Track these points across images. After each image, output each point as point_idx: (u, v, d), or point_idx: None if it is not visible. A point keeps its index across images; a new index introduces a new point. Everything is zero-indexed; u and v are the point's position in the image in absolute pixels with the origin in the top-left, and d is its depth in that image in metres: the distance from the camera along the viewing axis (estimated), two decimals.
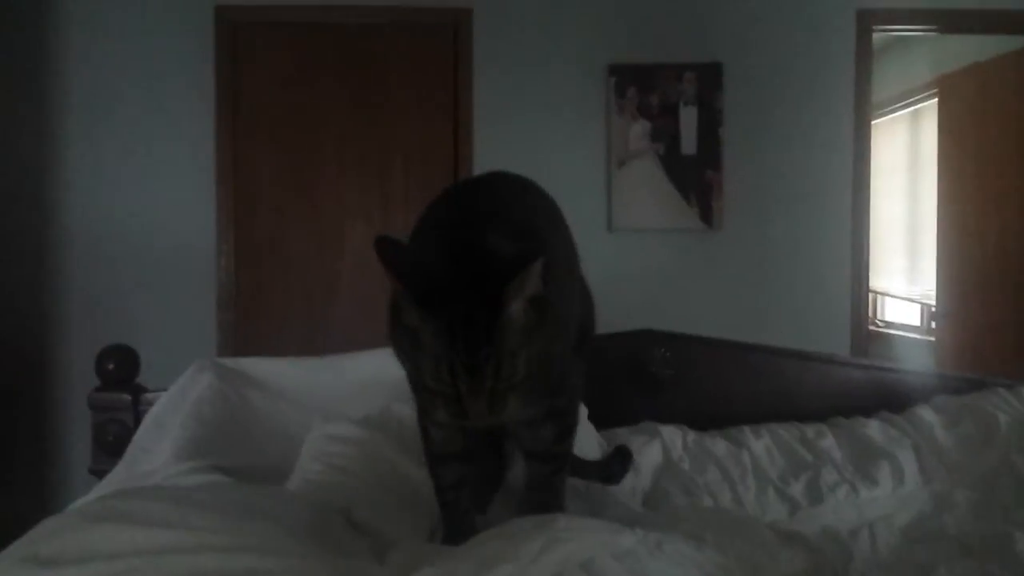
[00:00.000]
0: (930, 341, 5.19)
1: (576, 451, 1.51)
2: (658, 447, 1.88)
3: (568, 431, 1.36)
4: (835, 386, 2.29)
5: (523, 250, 1.06)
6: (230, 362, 2.07)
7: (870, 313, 5.10)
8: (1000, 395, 2.12)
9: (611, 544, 1.09)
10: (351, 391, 1.90)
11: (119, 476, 1.69)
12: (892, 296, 6.00)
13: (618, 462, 1.74)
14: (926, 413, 2.05)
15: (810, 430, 2.00)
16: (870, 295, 4.55)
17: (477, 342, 1.03)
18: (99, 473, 1.92)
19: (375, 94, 3.95)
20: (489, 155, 3.89)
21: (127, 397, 2.05)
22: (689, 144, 3.97)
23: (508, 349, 1.04)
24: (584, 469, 1.65)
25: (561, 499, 1.38)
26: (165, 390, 1.99)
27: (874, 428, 2.03)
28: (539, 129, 3.95)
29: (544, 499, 1.35)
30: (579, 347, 1.37)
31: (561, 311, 1.21)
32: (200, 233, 3.82)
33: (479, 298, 1.03)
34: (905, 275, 5.77)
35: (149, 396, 2.05)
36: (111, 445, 1.99)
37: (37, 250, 3.78)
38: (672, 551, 1.12)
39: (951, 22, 4.20)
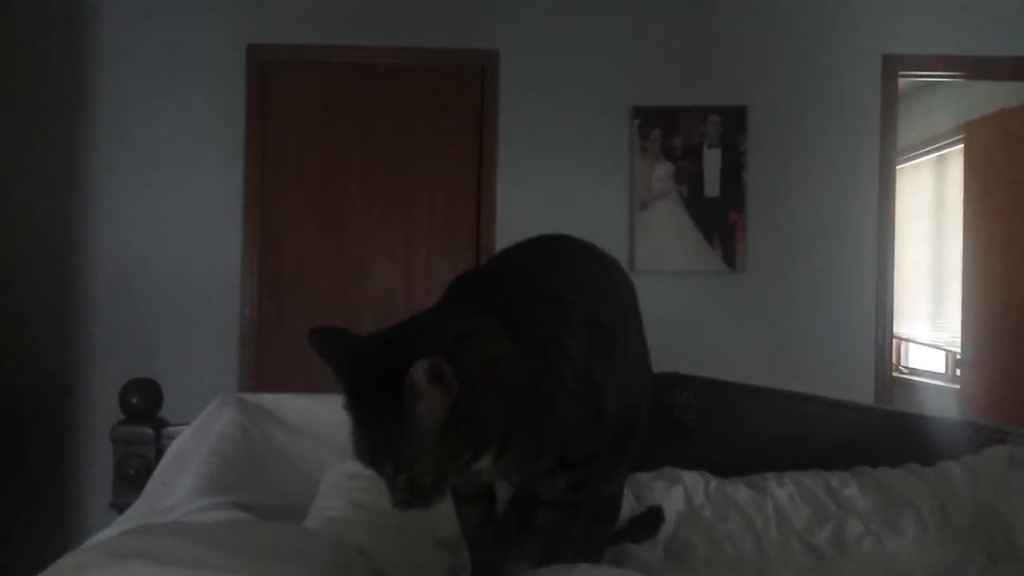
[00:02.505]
0: (955, 389, 5.12)
1: None
2: (680, 493, 1.86)
3: (583, 483, 1.30)
4: (859, 433, 2.26)
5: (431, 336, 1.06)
6: (252, 398, 2.08)
7: (894, 359, 5.05)
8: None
9: None
10: None
11: (139, 510, 1.70)
12: (916, 342, 5.94)
13: (646, 526, 1.70)
14: (955, 468, 2.01)
15: (834, 478, 1.98)
16: (894, 341, 4.51)
17: (376, 442, 1.04)
18: (120, 507, 1.92)
19: (401, 133, 3.99)
20: (513, 195, 3.92)
21: (149, 431, 2.06)
22: (712, 186, 3.97)
23: (407, 454, 1.02)
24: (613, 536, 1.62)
25: (576, 549, 1.32)
26: (187, 424, 1.99)
27: (899, 477, 2.00)
28: (563, 170, 3.97)
29: (553, 545, 1.30)
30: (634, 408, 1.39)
31: (587, 375, 1.23)
32: (225, 268, 3.86)
33: (385, 395, 1.02)
34: (929, 321, 5.71)
35: (171, 430, 2.06)
36: (132, 479, 2.00)
37: (63, 282, 3.82)
38: None
39: (977, 68, 4.20)
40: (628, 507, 1.77)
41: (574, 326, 1.26)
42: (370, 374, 1.06)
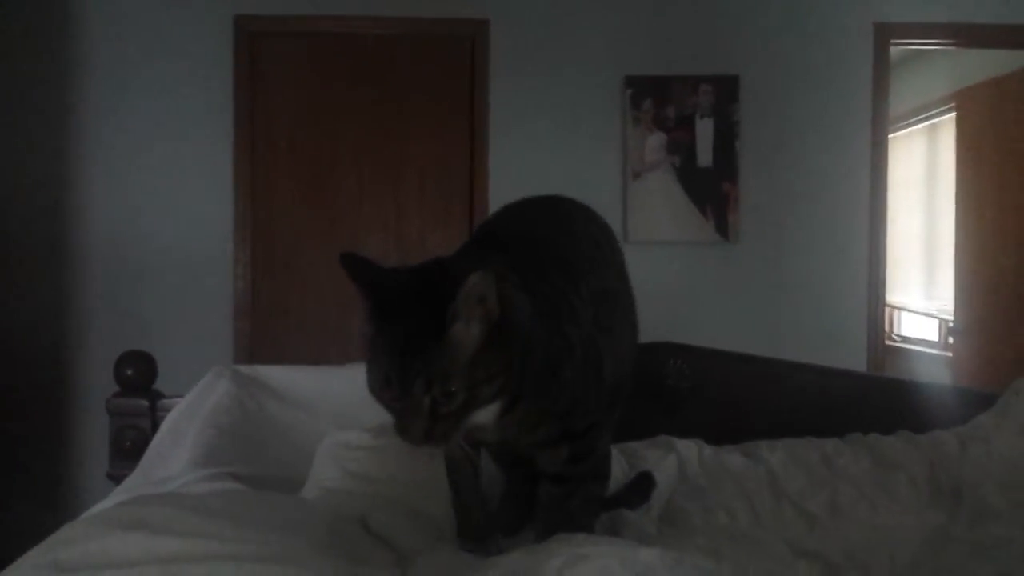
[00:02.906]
0: (947, 356, 5.15)
1: None
2: (674, 461, 1.87)
3: (585, 455, 1.32)
4: (852, 401, 2.28)
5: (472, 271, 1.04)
6: (247, 369, 2.08)
7: (887, 328, 5.07)
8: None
9: (631, 561, 1.09)
10: (365, 400, 1.90)
11: (136, 482, 1.70)
12: (909, 311, 5.97)
13: (639, 492, 1.72)
14: (946, 435, 2.03)
15: (827, 445, 1.99)
16: (887, 309, 4.53)
17: (412, 357, 1.03)
18: (117, 478, 1.93)
19: (392, 105, 3.97)
20: (505, 167, 3.91)
21: (145, 403, 2.07)
22: (705, 156, 3.97)
23: (442, 370, 1.03)
24: (604, 503, 1.63)
25: (578, 524, 1.31)
26: (182, 396, 2.00)
27: (891, 445, 2.01)
28: (555, 141, 3.96)
29: (556, 520, 1.30)
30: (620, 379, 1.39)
31: (589, 339, 1.24)
32: (218, 241, 3.85)
33: (423, 315, 1.04)
34: (922, 289, 5.73)
35: (166, 402, 2.06)
36: (129, 450, 2.01)
37: (57, 258, 3.81)
38: (691, 568, 1.12)
39: (969, 36, 4.19)
40: (621, 474, 1.78)
41: (580, 292, 1.28)
42: (408, 293, 1.07)
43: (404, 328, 1.04)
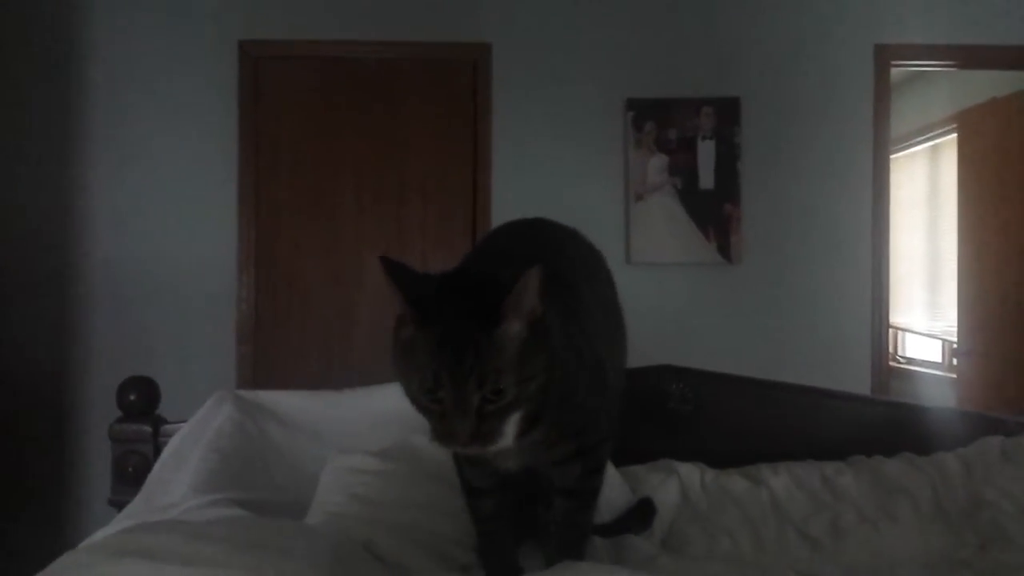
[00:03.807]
0: (952, 378, 5.13)
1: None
2: (675, 485, 1.87)
3: (596, 470, 1.35)
4: (855, 424, 2.27)
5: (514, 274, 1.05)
6: (249, 395, 2.08)
7: (891, 349, 5.06)
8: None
9: None
10: (368, 425, 1.91)
11: (138, 508, 1.70)
12: (913, 332, 5.96)
13: (640, 518, 1.71)
14: (949, 458, 2.02)
15: (829, 468, 1.98)
16: (890, 331, 4.52)
17: (464, 352, 1.02)
18: (119, 504, 1.92)
19: (394, 128, 3.99)
20: (507, 188, 3.92)
21: (147, 429, 2.06)
22: (707, 178, 3.98)
23: (494, 365, 1.03)
24: (606, 529, 1.63)
25: (586, 537, 1.38)
26: (185, 421, 2.00)
27: (893, 466, 2.01)
28: (557, 163, 3.98)
29: (570, 537, 1.35)
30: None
31: (592, 349, 1.23)
32: (220, 265, 3.86)
33: (472, 311, 1.04)
34: (926, 310, 5.72)
35: (169, 427, 2.06)
36: (131, 476, 2.00)
37: (59, 281, 3.82)
38: None
39: (969, 58, 4.20)
40: (624, 498, 1.77)
41: (587, 306, 1.28)
42: (453, 291, 1.07)
43: (453, 325, 1.03)
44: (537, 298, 1.06)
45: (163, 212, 3.87)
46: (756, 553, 1.68)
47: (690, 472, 1.93)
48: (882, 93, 4.06)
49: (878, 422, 2.29)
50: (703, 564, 1.46)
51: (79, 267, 3.83)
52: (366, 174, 3.98)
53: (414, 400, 1.08)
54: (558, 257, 1.36)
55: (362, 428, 1.91)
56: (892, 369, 4.82)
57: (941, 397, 5.08)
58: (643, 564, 1.42)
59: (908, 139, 5.67)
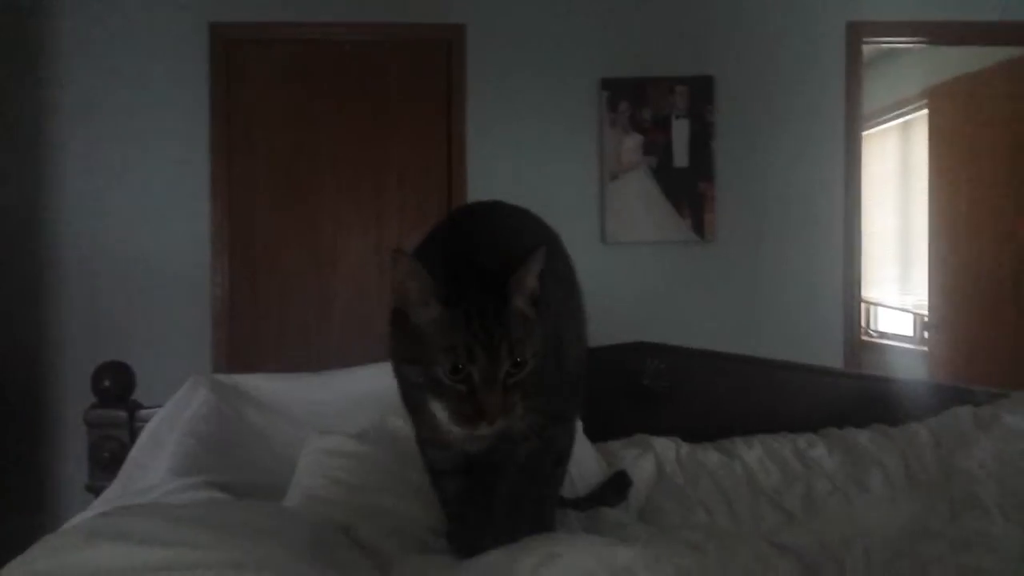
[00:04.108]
0: (923, 351, 5.20)
1: (574, 466, 1.52)
2: (651, 460, 1.89)
3: (560, 455, 1.37)
4: (828, 397, 2.30)
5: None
6: (225, 378, 2.08)
7: (863, 323, 5.12)
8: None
9: (608, 559, 1.10)
10: (346, 406, 1.91)
11: (115, 493, 1.70)
12: (884, 306, 6.02)
13: (616, 490, 1.73)
14: (920, 428, 2.06)
15: (801, 440, 2.01)
16: (863, 305, 4.57)
17: (491, 326, 1.07)
18: (96, 490, 1.92)
19: (369, 110, 3.97)
20: (483, 170, 3.92)
21: (123, 414, 2.06)
22: (681, 157, 4.00)
23: (517, 336, 1.09)
24: (581, 502, 1.65)
25: (554, 512, 1.39)
26: (161, 406, 1.99)
27: (865, 437, 2.04)
28: (532, 143, 3.98)
29: (536, 512, 1.35)
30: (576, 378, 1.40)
31: (553, 328, 1.24)
32: (195, 250, 3.84)
33: (489, 289, 1.09)
34: (897, 285, 5.79)
35: (145, 412, 2.05)
36: (107, 462, 2.00)
37: (32, 268, 3.79)
38: (669, 565, 1.13)
39: (940, 34, 4.24)
40: (599, 474, 1.79)
41: (548, 287, 1.29)
42: (469, 272, 1.12)
43: (476, 302, 1.08)
44: (537, 282, 1.12)
45: (136, 196, 3.84)
46: (730, 525, 1.70)
47: (665, 447, 1.95)
48: (854, 70, 4.09)
49: (850, 395, 2.33)
50: (676, 533, 1.47)
51: (52, 252, 3.80)
52: (341, 157, 3.97)
53: (434, 384, 1.09)
54: (518, 238, 1.37)
55: (340, 409, 1.91)
56: (864, 343, 4.88)
57: (912, 370, 5.15)
58: (619, 536, 1.43)
59: (879, 115, 5.71)
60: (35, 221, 3.79)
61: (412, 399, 1.19)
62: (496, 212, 1.45)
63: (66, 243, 3.81)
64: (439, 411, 1.10)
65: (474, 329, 1.06)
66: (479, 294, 1.09)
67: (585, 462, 1.80)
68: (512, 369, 1.08)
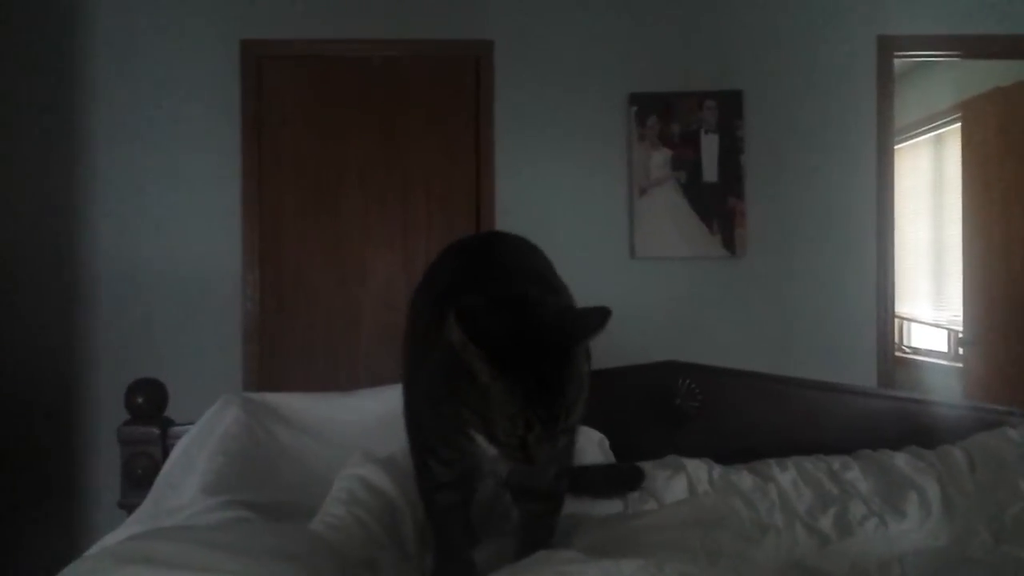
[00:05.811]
0: (958, 367, 5.13)
1: None
2: (683, 482, 1.87)
3: (566, 471, 1.39)
4: (862, 417, 2.27)
5: (575, 309, 1.19)
6: (256, 396, 2.09)
7: (896, 339, 5.06)
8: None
9: (614, 573, 1.10)
10: (374, 426, 1.91)
11: (147, 511, 1.71)
12: (918, 321, 5.95)
13: (623, 481, 1.76)
14: (955, 451, 2.02)
15: (836, 462, 1.98)
16: (896, 321, 4.51)
17: (552, 397, 1.08)
18: (128, 507, 1.93)
19: (397, 126, 3.99)
20: (511, 185, 3.92)
21: (155, 431, 2.07)
22: (711, 172, 3.97)
23: (574, 399, 1.11)
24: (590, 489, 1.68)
25: (554, 535, 1.41)
26: (193, 423, 2.00)
27: (900, 460, 2.01)
28: (561, 158, 3.97)
29: (542, 537, 1.37)
30: None
31: None
32: (226, 266, 3.86)
33: (550, 354, 1.09)
34: (931, 300, 5.72)
35: (177, 429, 2.07)
36: (140, 479, 2.01)
37: (65, 285, 3.82)
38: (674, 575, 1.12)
39: (973, 47, 4.19)
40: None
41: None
42: (529, 336, 1.10)
43: (538, 370, 1.08)
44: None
45: (167, 212, 3.87)
46: (765, 549, 1.68)
47: (697, 468, 1.93)
48: (885, 84, 4.04)
49: (884, 416, 2.29)
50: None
51: (85, 269, 3.84)
52: (370, 172, 3.98)
53: (490, 438, 1.11)
54: (539, 270, 1.41)
55: (368, 429, 1.92)
56: (898, 359, 4.81)
57: (947, 387, 5.08)
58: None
59: (912, 129, 5.65)
60: (67, 239, 3.83)
61: (437, 422, 1.20)
62: (507, 244, 1.48)
63: (98, 261, 3.84)
64: (483, 442, 1.13)
65: (534, 403, 1.07)
66: (538, 361, 1.08)
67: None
68: (564, 424, 1.11)
